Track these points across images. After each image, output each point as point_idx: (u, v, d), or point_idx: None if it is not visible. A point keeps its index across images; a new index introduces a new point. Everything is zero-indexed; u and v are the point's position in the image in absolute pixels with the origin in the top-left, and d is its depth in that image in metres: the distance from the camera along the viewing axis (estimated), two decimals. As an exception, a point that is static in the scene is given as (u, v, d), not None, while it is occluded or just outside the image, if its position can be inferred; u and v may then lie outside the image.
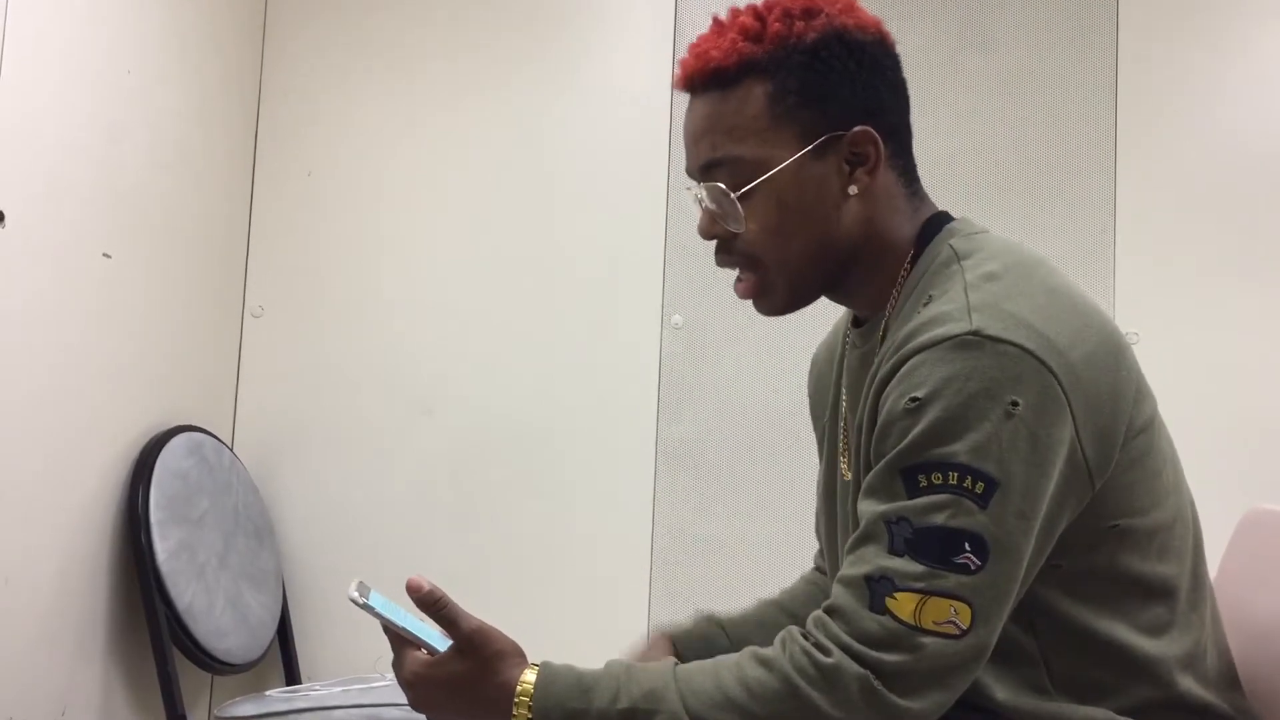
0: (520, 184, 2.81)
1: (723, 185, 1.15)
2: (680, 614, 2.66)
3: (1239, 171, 2.61)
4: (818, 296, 1.22)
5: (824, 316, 2.32)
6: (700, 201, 1.19)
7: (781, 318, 1.24)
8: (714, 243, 1.20)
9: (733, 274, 1.21)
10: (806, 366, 2.89)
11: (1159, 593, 1.12)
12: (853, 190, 1.15)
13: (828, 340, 1.42)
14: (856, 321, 1.26)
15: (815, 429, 1.40)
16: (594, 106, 2.80)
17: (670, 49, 2.75)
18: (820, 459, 1.36)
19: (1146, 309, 2.58)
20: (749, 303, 1.23)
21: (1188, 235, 2.61)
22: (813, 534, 1.47)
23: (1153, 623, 1.11)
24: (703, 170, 1.18)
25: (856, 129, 1.15)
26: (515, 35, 2.83)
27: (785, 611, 1.43)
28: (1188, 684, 1.12)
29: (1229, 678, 1.20)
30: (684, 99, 1.21)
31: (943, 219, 1.21)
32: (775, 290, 1.20)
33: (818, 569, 1.52)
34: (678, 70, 1.20)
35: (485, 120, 2.83)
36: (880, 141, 1.15)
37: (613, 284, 2.75)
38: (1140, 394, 1.11)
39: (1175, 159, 2.64)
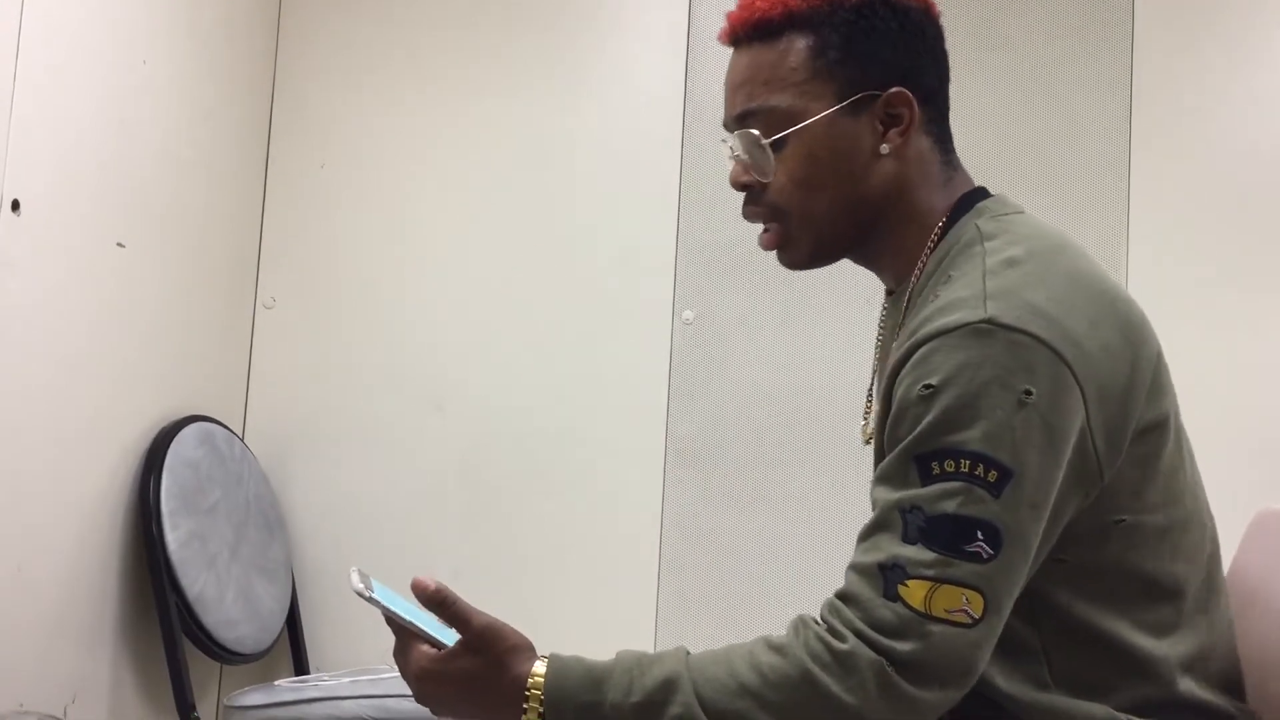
0: (533, 180, 2.80)
1: (755, 132, 1.16)
2: (688, 611, 2.67)
3: (1254, 173, 2.59)
4: (841, 256, 1.23)
5: (839, 311, 2.35)
6: (733, 151, 1.20)
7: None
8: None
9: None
10: (817, 361, 2.88)
11: (1167, 593, 1.11)
12: (884, 149, 1.16)
13: None
14: (889, 290, 1.26)
15: None
16: (607, 103, 2.80)
17: (684, 43, 2.74)
18: None
19: (1158, 308, 2.53)
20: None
21: (1201, 236, 2.60)
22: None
23: (1157, 623, 1.10)
24: (738, 119, 1.19)
25: (893, 89, 1.15)
26: (529, 32, 2.83)
27: None
28: (1188, 685, 1.11)
29: (1233, 681, 1.19)
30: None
31: (977, 195, 1.20)
32: (798, 244, 1.20)
33: None
34: (724, 24, 1.21)
35: (498, 116, 2.83)
36: (915, 104, 1.16)
37: (624, 280, 2.75)
38: (1157, 389, 1.10)
39: (1190, 160, 2.62)
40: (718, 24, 1.21)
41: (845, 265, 1.31)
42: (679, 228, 2.73)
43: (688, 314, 2.72)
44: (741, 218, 1.23)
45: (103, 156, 2.30)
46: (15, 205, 2.05)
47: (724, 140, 1.22)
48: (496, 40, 2.84)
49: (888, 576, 1.02)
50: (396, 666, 1.11)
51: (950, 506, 1.01)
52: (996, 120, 2.69)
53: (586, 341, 2.75)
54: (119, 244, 2.36)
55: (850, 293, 2.60)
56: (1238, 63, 2.63)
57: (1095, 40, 2.67)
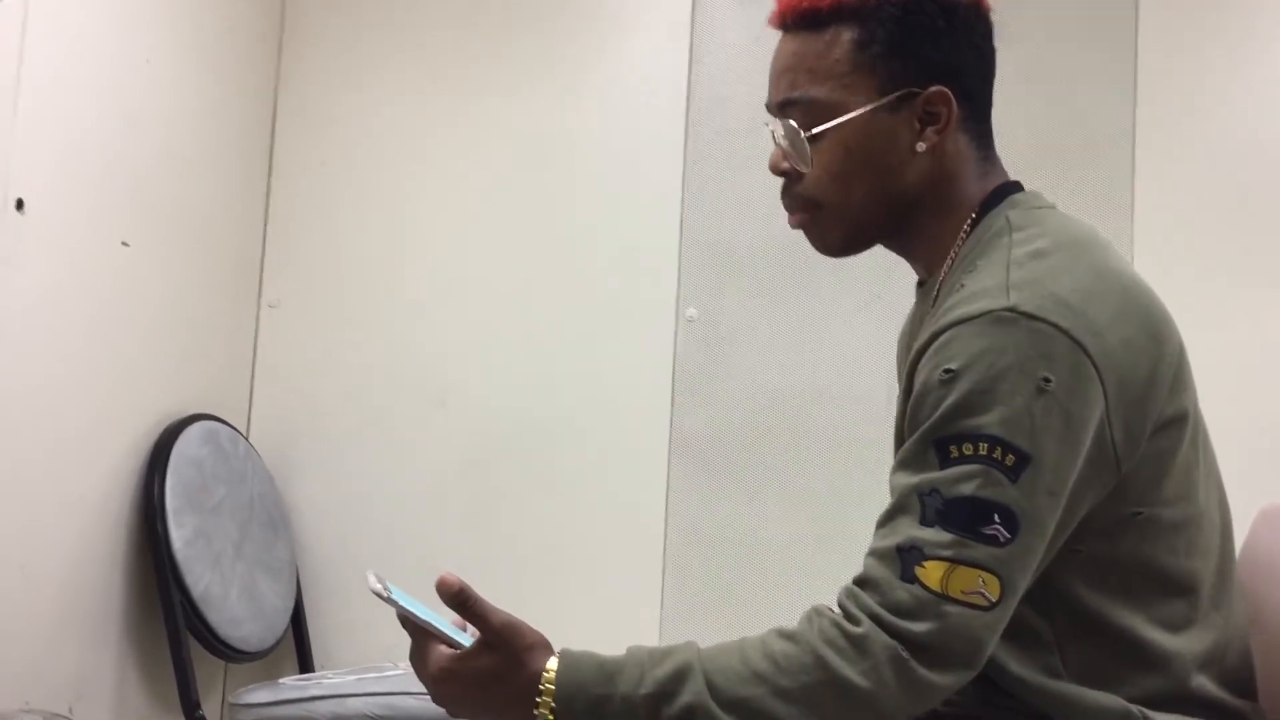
0: (536, 178, 2.80)
1: (795, 123, 1.17)
2: (692, 609, 2.67)
3: (1259, 170, 2.59)
4: (873, 244, 1.24)
5: (843, 310, 2.33)
6: (774, 136, 1.21)
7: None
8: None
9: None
10: (821, 360, 2.88)
11: (1181, 588, 1.12)
12: (920, 147, 1.17)
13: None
14: (919, 280, 1.27)
15: None
16: (610, 100, 2.80)
17: (686, 42, 2.74)
18: None
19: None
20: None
21: (1206, 232, 2.60)
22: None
23: (1172, 618, 1.11)
24: (780, 107, 1.20)
25: (933, 88, 1.16)
26: (532, 28, 2.83)
27: None
28: (1200, 681, 1.12)
29: (1246, 680, 1.19)
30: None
31: (1010, 188, 1.22)
32: (831, 232, 1.22)
33: None
34: (774, 7, 1.21)
35: (501, 114, 2.83)
36: (954, 103, 1.17)
37: (627, 278, 2.75)
38: (1178, 385, 1.11)
39: (1194, 156, 2.62)
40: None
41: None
42: (682, 226, 2.73)
43: (691, 312, 2.72)
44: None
45: (107, 155, 2.31)
46: (20, 204, 2.06)
47: (766, 123, 1.23)
48: (498, 40, 2.84)
49: (905, 559, 1.02)
50: (413, 668, 1.11)
51: (968, 489, 1.02)
52: (999, 118, 2.68)
53: (589, 339, 2.75)
54: (124, 243, 2.36)
55: (854, 291, 2.60)
56: (1242, 58, 2.62)
57: (1099, 35, 2.67)
